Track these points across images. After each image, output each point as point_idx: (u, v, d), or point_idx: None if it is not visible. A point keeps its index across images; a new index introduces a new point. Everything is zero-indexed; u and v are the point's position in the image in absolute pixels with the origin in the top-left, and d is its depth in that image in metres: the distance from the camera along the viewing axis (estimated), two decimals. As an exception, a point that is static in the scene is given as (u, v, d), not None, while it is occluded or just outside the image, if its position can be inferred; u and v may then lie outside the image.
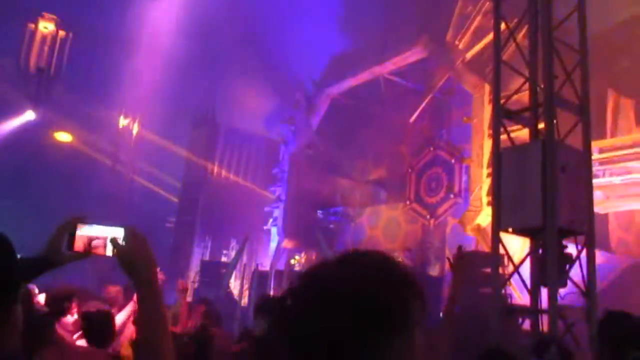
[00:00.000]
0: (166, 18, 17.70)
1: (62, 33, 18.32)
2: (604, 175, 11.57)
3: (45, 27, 18.27)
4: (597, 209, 9.00)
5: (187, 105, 20.39)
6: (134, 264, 1.51)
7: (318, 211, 18.11)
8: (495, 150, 5.90)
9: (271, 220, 18.84)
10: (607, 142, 12.13)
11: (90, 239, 1.59)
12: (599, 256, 6.45)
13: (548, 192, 5.29)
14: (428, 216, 14.96)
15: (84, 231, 1.59)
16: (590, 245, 5.60)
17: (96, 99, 18.88)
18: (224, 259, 19.80)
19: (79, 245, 1.58)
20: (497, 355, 3.24)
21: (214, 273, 16.47)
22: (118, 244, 1.55)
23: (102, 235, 1.59)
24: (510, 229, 5.80)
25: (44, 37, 18.51)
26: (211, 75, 19.15)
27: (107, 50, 18.33)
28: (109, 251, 1.57)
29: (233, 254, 19.00)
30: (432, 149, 15.30)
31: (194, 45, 18.27)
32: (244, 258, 18.35)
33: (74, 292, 4.64)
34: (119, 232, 1.58)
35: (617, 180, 11.58)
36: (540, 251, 5.50)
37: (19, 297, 1.34)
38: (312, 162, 18.35)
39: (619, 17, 11.71)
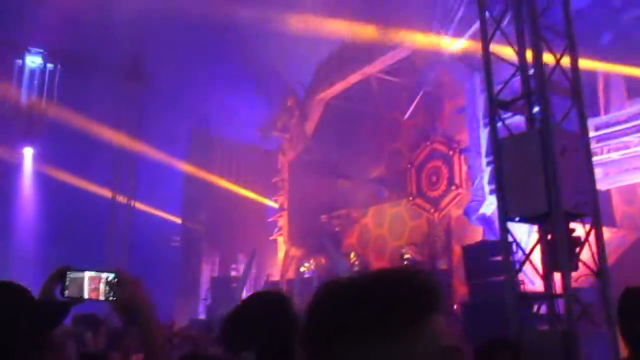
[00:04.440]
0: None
1: (50, 66, 18.40)
2: (602, 152, 11.64)
3: (33, 62, 18.35)
4: (599, 185, 9.03)
5: (181, 125, 20.40)
6: (132, 309, 1.58)
7: (322, 216, 18.15)
8: (494, 142, 5.96)
9: (276, 229, 18.89)
10: (601, 119, 12.21)
11: (83, 284, 1.61)
12: (605, 233, 6.50)
13: (550, 178, 5.34)
14: (432, 210, 15.02)
15: (76, 277, 1.61)
16: (597, 226, 5.65)
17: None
18: (233, 273, 19.83)
19: (72, 291, 1.60)
20: (498, 344, 3.35)
21: (225, 288, 16.50)
22: (115, 289, 1.59)
23: (94, 279, 1.62)
24: (517, 218, 5.85)
25: (32, 72, 18.60)
26: (202, 91, 19.19)
27: (95, 77, 18.35)
28: (102, 295, 1.61)
29: (242, 267, 19.04)
30: (428, 143, 15.37)
31: (183, 64, 18.33)
32: (254, 270, 18.41)
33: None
34: (110, 276, 1.61)
35: (615, 155, 11.65)
36: (549, 236, 5.55)
37: (46, 345, 1.38)
38: (311, 167, 18.41)
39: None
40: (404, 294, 0.84)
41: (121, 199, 20.34)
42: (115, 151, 19.66)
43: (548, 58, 6.06)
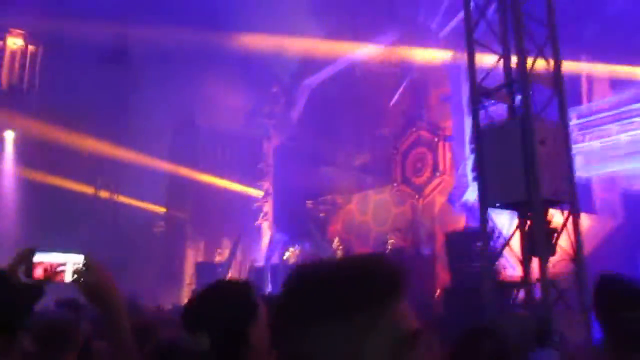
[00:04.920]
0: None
1: (31, 48, 18.08)
2: (583, 140, 11.80)
3: (14, 43, 18.01)
4: (579, 173, 9.19)
5: (166, 112, 20.23)
6: (98, 294, 1.57)
7: (307, 202, 18.19)
8: (475, 130, 6.03)
9: (261, 215, 18.92)
10: (584, 107, 12.34)
11: (48, 266, 1.57)
12: (585, 220, 6.62)
13: (530, 166, 5.43)
14: (416, 196, 15.12)
15: (42, 258, 1.57)
16: (575, 214, 5.76)
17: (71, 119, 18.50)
18: (218, 258, 19.85)
19: (38, 272, 1.56)
20: (481, 332, 3.39)
21: (210, 274, 16.52)
22: (81, 273, 1.57)
23: (61, 261, 1.58)
24: (497, 205, 5.94)
25: (13, 53, 18.25)
26: (188, 79, 19.02)
27: (78, 63, 18.06)
28: (69, 277, 1.58)
29: (227, 253, 19.06)
30: (414, 129, 15.43)
31: (170, 51, 18.14)
32: (238, 255, 18.44)
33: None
34: (78, 258, 1.59)
35: (596, 144, 11.81)
36: (528, 223, 5.65)
37: (22, 326, 1.39)
38: (296, 153, 18.39)
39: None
40: (365, 279, 0.86)
41: (104, 193, 20.22)
42: (99, 138, 19.44)
43: (531, 48, 6.12)
